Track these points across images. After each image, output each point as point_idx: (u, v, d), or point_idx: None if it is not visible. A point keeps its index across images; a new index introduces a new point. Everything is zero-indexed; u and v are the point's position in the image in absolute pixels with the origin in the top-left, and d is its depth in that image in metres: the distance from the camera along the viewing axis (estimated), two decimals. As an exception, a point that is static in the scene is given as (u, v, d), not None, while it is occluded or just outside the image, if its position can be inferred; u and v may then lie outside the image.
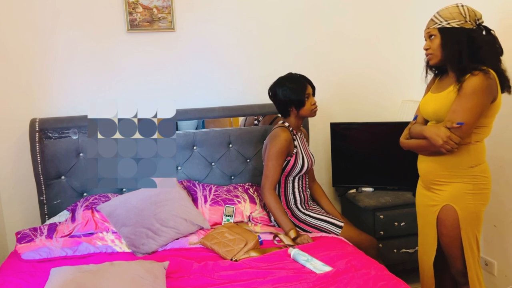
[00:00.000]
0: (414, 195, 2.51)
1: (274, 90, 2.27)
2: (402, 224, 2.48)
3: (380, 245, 2.43)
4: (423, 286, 2.01)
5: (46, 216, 2.38)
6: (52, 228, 2.20)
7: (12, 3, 2.35)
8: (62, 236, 2.11)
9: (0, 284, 1.76)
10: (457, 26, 1.70)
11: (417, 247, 2.50)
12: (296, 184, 2.29)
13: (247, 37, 2.69)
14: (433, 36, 1.77)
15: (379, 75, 2.92)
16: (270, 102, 2.66)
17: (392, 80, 2.94)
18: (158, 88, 2.60)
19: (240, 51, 2.69)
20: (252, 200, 2.39)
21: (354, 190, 2.69)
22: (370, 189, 2.66)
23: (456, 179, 1.78)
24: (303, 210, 2.29)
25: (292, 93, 2.20)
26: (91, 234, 2.14)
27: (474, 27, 1.70)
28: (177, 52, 2.60)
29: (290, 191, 2.29)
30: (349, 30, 2.84)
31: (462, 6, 1.72)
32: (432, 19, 1.77)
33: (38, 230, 2.18)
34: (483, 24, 1.74)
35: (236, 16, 2.65)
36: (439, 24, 1.73)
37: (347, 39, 2.84)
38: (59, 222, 2.26)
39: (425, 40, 1.82)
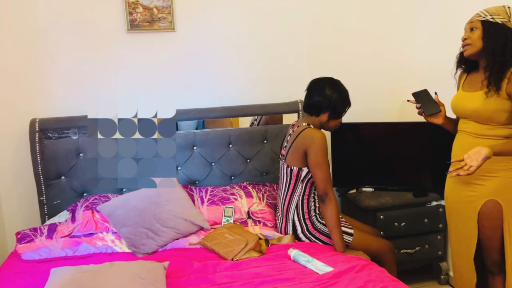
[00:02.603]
0: (414, 195, 2.54)
1: (324, 86, 2.14)
2: (402, 224, 2.49)
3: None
4: (461, 283, 2.02)
5: (46, 216, 2.38)
6: (52, 228, 2.20)
7: (12, 3, 2.34)
8: (62, 237, 2.11)
9: (0, 284, 1.76)
10: (500, 22, 1.73)
11: (417, 248, 2.53)
12: (314, 191, 2.19)
13: (247, 37, 2.69)
14: (474, 28, 1.78)
15: (379, 75, 2.92)
16: (270, 102, 2.68)
17: (392, 80, 2.94)
18: (158, 88, 2.60)
19: (240, 51, 2.69)
20: (249, 195, 2.39)
21: (354, 190, 2.69)
22: (370, 189, 2.66)
23: (502, 173, 1.78)
24: (320, 220, 2.18)
25: (340, 101, 2.13)
26: (91, 234, 2.14)
27: None
28: (177, 52, 2.60)
29: (312, 199, 2.19)
30: (349, 30, 2.83)
31: (509, 7, 1.76)
32: (477, 13, 1.80)
33: (38, 230, 2.18)
34: None
35: (236, 16, 2.65)
36: (484, 17, 1.76)
37: (347, 40, 2.84)
38: (59, 222, 2.26)
39: (465, 32, 1.83)
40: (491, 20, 1.74)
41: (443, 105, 2.01)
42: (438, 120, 2.00)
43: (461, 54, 1.89)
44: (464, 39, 1.82)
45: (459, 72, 1.96)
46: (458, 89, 1.97)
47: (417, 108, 2.02)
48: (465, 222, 1.91)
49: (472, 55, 1.81)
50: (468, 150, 1.79)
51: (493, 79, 1.73)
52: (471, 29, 1.79)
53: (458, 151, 1.89)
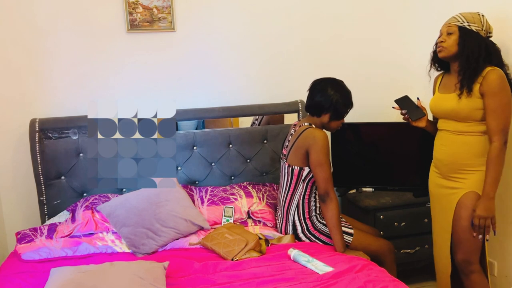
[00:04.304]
0: (414, 195, 2.54)
1: (326, 86, 2.12)
2: (402, 224, 2.49)
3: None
4: (438, 274, 2.09)
5: (46, 216, 2.38)
6: (52, 228, 2.20)
7: (12, 4, 2.34)
8: (62, 237, 2.11)
9: (0, 284, 1.76)
10: (475, 30, 1.84)
11: (417, 248, 2.53)
12: (314, 191, 2.18)
13: (247, 37, 2.69)
14: (451, 33, 1.88)
15: (379, 76, 2.92)
16: (270, 102, 2.68)
17: (392, 81, 2.94)
18: (158, 88, 2.60)
19: (240, 51, 2.69)
20: (249, 195, 2.39)
21: (354, 191, 2.69)
22: (370, 189, 2.66)
23: (482, 167, 1.86)
24: (320, 220, 2.18)
25: (342, 102, 2.12)
26: (91, 234, 2.14)
27: (485, 37, 1.86)
28: (177, 52, 2.60)
29: (313, 199, 2.19)
30: (350, 31, 2.83)
31: (483, 16, 1.87)
32: (454, 17, 1.90)
33: (38, 230, 2.18)
34: (491, 37, 1.92)
35: (236, 16, 2.65)
36: (461, 23, 1.86)
37: (347, 40, 2.84)
38: (59, 222, 2.26)
39: (441, 34, 1.94)
40: (468, 27, 1.84)
41: (425, 108, 2.12)
42: (422, 124, 2.11)
43: (435, 53, 2.01)
44: (440, 42, 1.93)
45: (433, 70, 2.08)
46: (434, 92, 2.08)
47: (403, 114, 2.13)
48: (444, 214, 1.99)
49: (446, 57, 1.93)
50: (450, 147, 1.94)
51: (465, 82, 1.84)
52: (448, 33, 1.89)
53: (439, 147, 2.02)
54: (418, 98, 2.14)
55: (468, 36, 1.84)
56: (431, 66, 2.07)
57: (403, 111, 2.12)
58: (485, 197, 1.83)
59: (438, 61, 2.03)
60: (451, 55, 1.90)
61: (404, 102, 2.12)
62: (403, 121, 2.22)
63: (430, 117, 2.14)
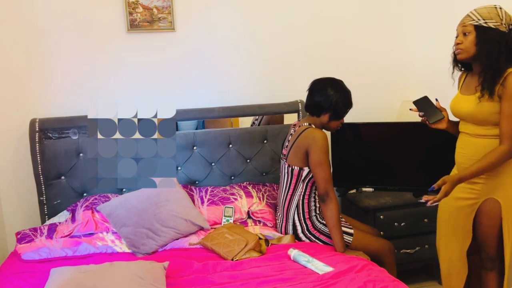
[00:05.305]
0: (414, 195, 2.53)
1: (326, 86, 2.12)
2: (402, 224, 2.49)
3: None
4: (449, 280, 2.03)
5: (46, 216, 2.38)
6: (52, 229, 2.20)
7: (12, 4, 2.34)
8: (62, 237, 2.11)
9: (0, 284, 1.76)
10: (493, 27, 1.73)
11: (417, 248, 2.53)
12: (314, 191, 2.19)
13: (247, 37, 2.69)
14: (467, 33, 1.78)
15: (380, 75, 2.92)
16: (270, 101, 2.68)
17: (392, 81, 2.94)
18: (158, 88, 2.60)
19: (240, 51, 2.69)
20: (249, 195, 2.39)
21: (354, 191, 2.69)
22: (370, 190, 2.66)
23: (500, 169, 1.79)
24: (320, 220, 2.18)
25: (342, 102, 2.12)
26: (91, 234, 2.14)
27: (507, 31, 1.74)
28: (177, 52, 2.60)
29: (312, 199, 2.19)
30: (349, 31, 2.83)
31: (500, 8, 1.75)
32: (468, 15, 1.79)
33: (38, 230, 2.18)
34: None
35: (236, 16, 2.65)
36: (477, 22, 1.75)
37: (347, 40, 2.84)
38: (59, 222, 2.26)
39: (457, 34, 1.83)
40: (484, 25, 1.73)
41: (445, 110, 2.02)
42: (442, 126, 2.00)
43: (455, 55, 1.90)
44: (457, 43, 1.83)
45: (456, 71, 1.97)
46: (458, 89, 1.98)
47: (420, 116, 2.03)
48: (460, 218, 1.93)
49: (465, 59, 1.83)
50: (470, 149, 1.85)
51: (486, 85, 1.75)
52: (464, 34, 1.79)
53: (460, 150, 1.93)
54: (436, 99, 2.03)
55: (485, 34, 1.72)
56: (453, 68, 1.94)
57: (421, 113, 2.02)
58: (458, 178, 1.76)
59: (460, 61, 1.91)
60: (470, 57, 1.79)
61: (422, 104, 2.02)
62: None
63: (452, 118, 2.04)
